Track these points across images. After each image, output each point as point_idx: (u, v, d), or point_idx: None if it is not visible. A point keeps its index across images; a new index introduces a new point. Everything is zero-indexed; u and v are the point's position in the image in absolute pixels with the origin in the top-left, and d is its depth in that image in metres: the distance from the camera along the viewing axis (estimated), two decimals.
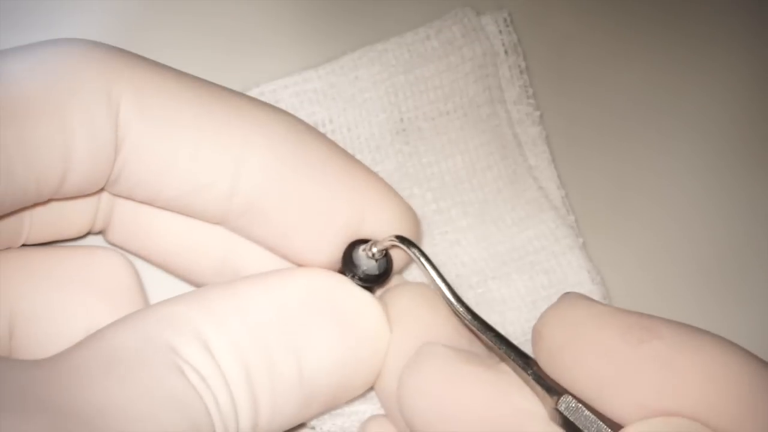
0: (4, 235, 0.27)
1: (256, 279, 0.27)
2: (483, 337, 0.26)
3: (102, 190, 0.27)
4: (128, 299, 0.28)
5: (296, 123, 0.28)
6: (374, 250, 0.28)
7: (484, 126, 0.35)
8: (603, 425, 0.23)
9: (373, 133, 0.34)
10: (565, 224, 0.34)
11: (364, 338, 0.27)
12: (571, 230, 0.34)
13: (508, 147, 0.35)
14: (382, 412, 0.29)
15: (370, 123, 0.34)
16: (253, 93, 0.34)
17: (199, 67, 0.34)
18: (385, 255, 0.28)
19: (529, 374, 0.24)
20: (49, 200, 0.26)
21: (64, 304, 0.27)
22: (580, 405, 0.23)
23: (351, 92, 0.34)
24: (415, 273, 0.32)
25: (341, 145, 0.33)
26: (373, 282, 0.28)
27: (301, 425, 0.28)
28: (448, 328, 0.27)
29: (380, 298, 0.29)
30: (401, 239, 0.27)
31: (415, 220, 0.30)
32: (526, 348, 0.25)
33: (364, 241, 0.28)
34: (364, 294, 0.28)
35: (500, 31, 0.35)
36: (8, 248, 0.28)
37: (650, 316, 0.23)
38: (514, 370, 0.25)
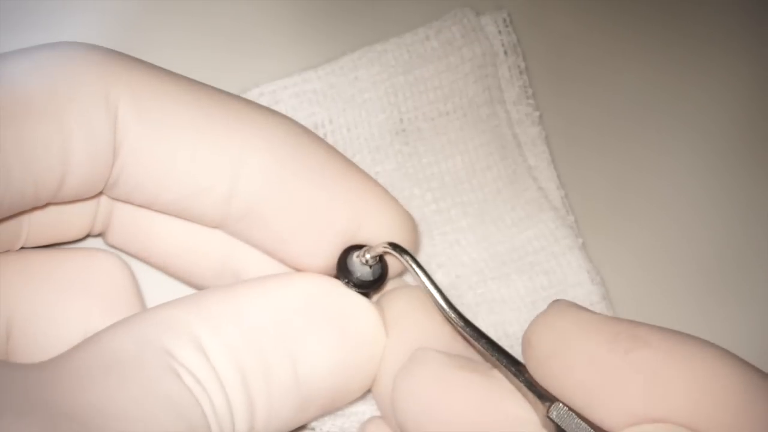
0: (2, 238, 0.27)
1: (253, 283, 0.27)
2: (476, 344, 0.26)
3: (101, 193, 0.27)
4: (125, 303, 0.28)
5: (295, 127, 0.28)
6: (367, 256, 0.28)
7: (484, 126, 0.35)
8: None
9: (373, 134, 0.34)
10: (564, 224, 0.34)
11: (359, 342, 0.27)
12: (571, 230, 0.34)
13: (508, 147, 0.35)
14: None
15: (369, 123, 0.34)
16: (253, 93, 0.34)
17: (199, 67, 0.34)
18: (381, 261, 0.28)
19: (521, 381, 0.24)
20: (48, 204, 0.26)
21: (62, 307, 0.27)
22: (572, 412, 0.23)
23: (351, 93, 0.34)
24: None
25: (341, 145, 0.34)
26: (367, 287, 0.28)
27: (301, 427, 0.28)
28: (444, 332, 0.27)
29: (377, 302, 0.29)
30: (393, 246, 0.27)
31: (413, 226, 0.30)
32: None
33: (360, 247, 0.28)
34: (360, 298, 0.28)
35: (500, 32, 0.35)
36: (7, 251, 0.28)
37: (639, 324, 0.23)
38: (507, 377, 0.25)
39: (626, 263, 0.35)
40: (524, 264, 0.33)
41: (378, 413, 0.30)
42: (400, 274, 0.31)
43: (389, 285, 0.29)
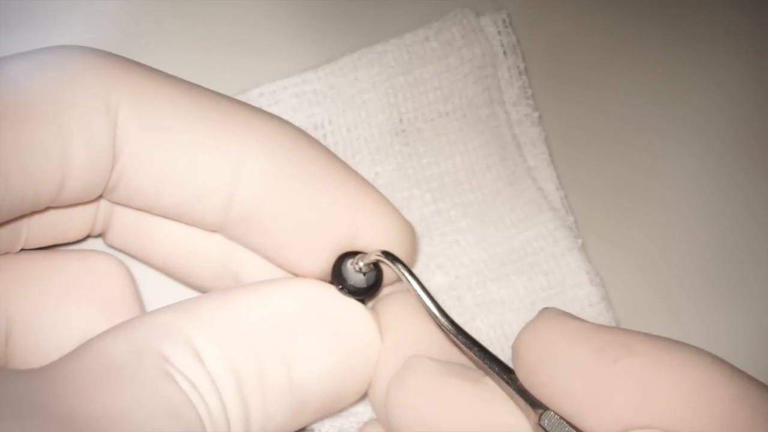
0: (2, 240, 0.27)
1: (248, 289, 0.27)
2: (468, 351, 0.26)
3: (101, 196, 0.27)
4: (124, 306, 0.28)
5: (294, 131, 0.28)
6: (361, 264, 0.28)
7: (484, 127, 0.35)
8: None
9: (373, 134, 0.34)
10: (564, 225, 0.34)
11: (354, 347, 0.27)
12: (570, 231, 0.34)
13: (508, 148, 0.35)
14: None
15: (369, 124, 0.34)
16: (253, 94, 0.34)
17: (199, 68, 0.34)
18: (376, 268, 0.28)
19: (513, 389, 0.24)
20: (48, 208, 0.26)
21: (61, 310, 0.27)
22: (563, 421, 0.23)
23: (350, 93, 0.34)
24: None
25: (341, 145, 0.34)
26: (361, 294, 0.28)
27: (299, 430, 0.28)
28: (439, 338, 0.28)
29: (372, 307, 0.29)
30: (387, 254, 0.28)
31: (411, 234, 0.30)
32: None
33: (355, 254, 0.28)
34: (354, 304, 0.28)
35: (499, 33, 0.35)
36: (6, 253, 0.28)
37: (626, 332, 0.23)
38: (499, 384, 0.25)
39: (625, 264, 0.35)
40: (523, 265, 0.33)
41: None
42: (397, 280, 0.31)
43: (386, 290, 0.29)
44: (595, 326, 0.23)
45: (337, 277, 0.28)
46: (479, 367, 0.26)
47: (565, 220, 0.34)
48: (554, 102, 0.36)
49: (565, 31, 0.37)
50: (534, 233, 0.33)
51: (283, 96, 0.34)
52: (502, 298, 0.33)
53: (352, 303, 0.28)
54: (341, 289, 0.28)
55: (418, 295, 0.27)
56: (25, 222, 0.28)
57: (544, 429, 0.23)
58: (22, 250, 0.29)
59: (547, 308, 0.25)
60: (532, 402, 0.24)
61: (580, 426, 0.23)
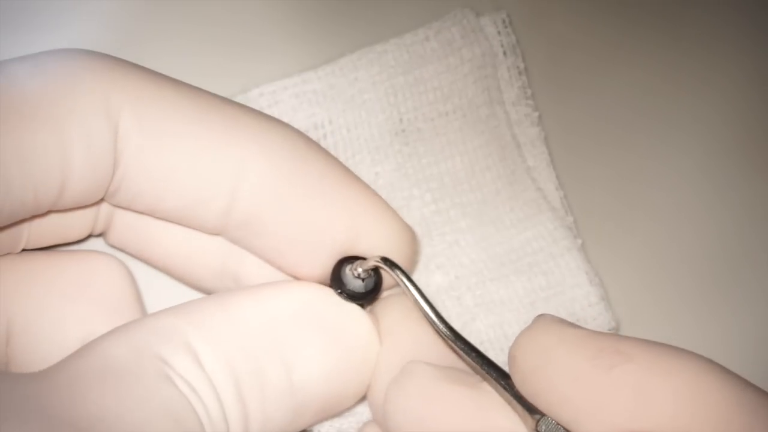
0: (3, 241, 0.27)
1: (248, 292, 0.27)
2: (466, 357, 0.26)
3: (102, 199, 0.27)
4: (124, 307, 0.28)
5: (295, 136, 0.28)
6: (359, 270, 0.28)
7: (483, 127, 0.35)
8: None
9: (373, 134, 0.34)
10: (563, 225, 0.34)
11: (353, 349, 0.28)
12: (570, 231, 0.34)
13: (507, 148, 0.35)
14: None
15: (369, 124, 0.34)
16: (253, 94, 0.34)
17: (199, 68, 0.34)
18: (376, 272, 0.29)
19: (510, 394, 0.24)
20: (49, 212, 0.27)
21: (62, 311, 0.27)
22: (560, 427, 0.23)
23: (350, 93, 0.34)
24: (419, 284, 0.32)
25: (341, 145, 0.34)
26: (360, 299, 0.28)
27: None
28: (438, 341, 0.28)
29: (371, 310, 0.29)
30: (385, 260, 0.28)
31: (411, 238, 0.30)
32: None
33: (354, 259, 0.28)
34: (353, 307, 0.28)
35: (499, 33, 0.35)
36: (8, 254, 0.28)
37: (622, 338, 0.23)
38: (497, 390, 0.25)
39: (625, 264, 0.35)
40: (523, 265, 0.33)
41: None
42: (397, 284, 0.31)
43: (386, 293, 0.29)
44: (591, 333, 0.23)
45: (336, 281, 0.28)
46: (477, 373, 0.26)
47: (564, 221, 0.34)
48: (554, 102, 0.36)
49: (565, 32, 0.37)
50: (533, 233, 0.34)
51: (283, 96, 0.34)
52: (501, 299, 0.33)
53: (350, 306, 0.28)
54: (340, 293, 0.28)
55: (416, 301, 0.27)
56: (26, 223, 0.28)
57: None
58: (24, 250, 0.29)
59: (542, 315, 0.25)
60: (530, 408, 0.24)
61: None
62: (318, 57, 0.34)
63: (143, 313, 0.29)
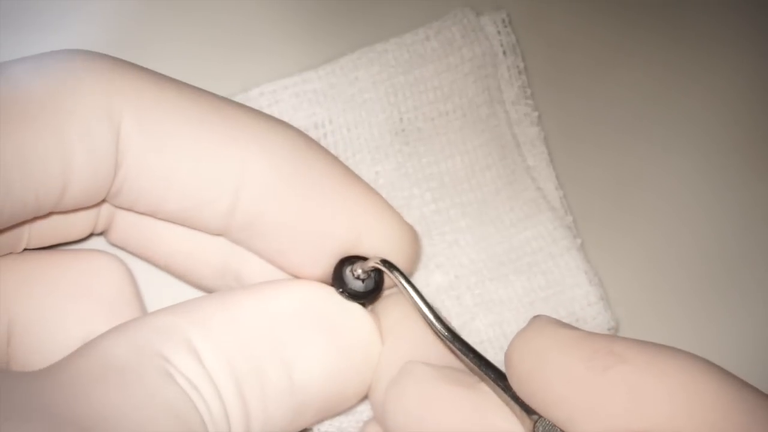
0: (4, 240, 0.27)
1: (249, 290, 0.28)
2: (464, 358, 0.26)
3: (104, 200, 0.27)
4: (125, 306, 0.28)
5: (296, 136, 0.28)
6: (359, 271, 0.28)
7: (483, 126, 0.35)
8: None
9: (373, 134, 0.34)
10: (563, 225, 0.34)
11: (354, 348, 0.28)
12: (569, 231, 0.34)
13: (507, 147, 0.35)
14: None
15: (369, 123, 0.34)
16: (253, 93, 0.34)
17: (199, 67, 0.34)
18: (377, 273, 0.29)
19: (508, 395, 0.25)
20: (50, 213, 0.27)
21: (63, 311, 0.27)
22: (557, 428, 0.23)
23: (351, 93, 0.34)
24: (418, 285, 0.32)
25: (341, 145, 0.34)
26: (361, 298, 0.28)
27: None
28: (439, 341, 0.28)
29: (372, 309, 0.29)
30: (384, 262, 0.28)
31: (413, 239, 0.30)
32: None
33: (356, 258, 0.28)
34: (354, 306, 0.28)
35: (498, 32, 0.35)
36: (9, 253, 0.28)
37: (616, 339, 0.23)
38: (495, 391, 0.25)
39: (624, 264, 0.35)
40: (522, 264, 0.33)
41: None
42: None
43: (387, 292, 0.30)
44: (586, 334, 0.23)
45: (337, 280, 0.28)
46: (475, 373, 0.26)
47: (564, 220, 0.34)
48: (553, 101, 0.36)
49: (565, 32, 0.37)
50: (533, 233, 0.34)
51: (283, 95, 0.34)
52: (500, 298, 0.33)
53: (352, 305, 0.28)
54: (342, 293, 0.28)
55: (415, 303, 0.27)
56: (27, 223, 0.28)
57: None
58: (25, 249, 0.29)
59: (538, 316, 0.25)
60: (527, 408, 0.24)
61: None
62: (318, 56, 0.34)
63: (143, 312, 0.29)
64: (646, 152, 0.37)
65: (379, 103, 0.34)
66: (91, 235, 0.30)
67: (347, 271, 0.28)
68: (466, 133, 0.34)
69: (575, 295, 0.33)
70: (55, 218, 0.28)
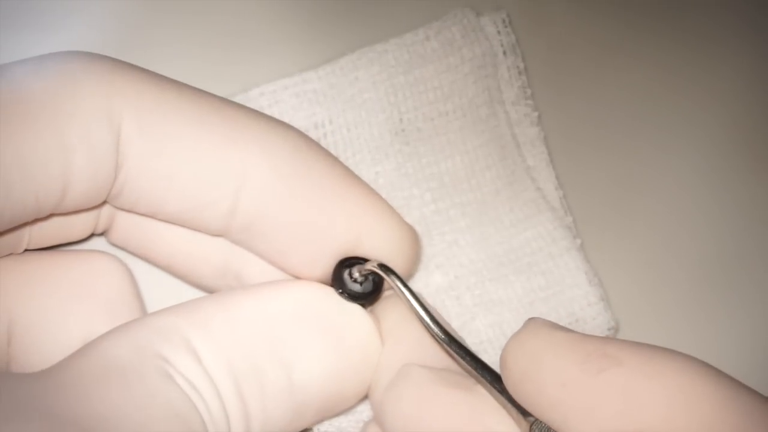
0: (5, 241, 0.27)
1: (248, 291, 0.28)
2: (461, 361, 0.26)
3: (104, 201, 0.27)
4: (125, 307, 0.28)
5: (296, 137, 0.28)
6: (356, 274, 0.28)
7: (483, 126, 0.35)
8: None
9: (373, 134, 0.34)
10: (562, 225, 0.34)
11: (353, 349, 0.28)
12: (569, 231, 0.34)
13: (507, 147, 0.35)
14: None
15: (369, 123, 0.34)
16: (253, 93, 0.34)
17: (200, 67, 0.34)
18: (375, 274, 0.29)
19: (505, 397, 0.25)
20: (51, 215, 0.27)
21: (63, 311, 0.27)
22: (553, 430, 0.23)
23: (351, 93, 0.34)
24: (418, 285, 0.33)
25: (341, 145, 0.34)
26: (361, 299, 0.29)
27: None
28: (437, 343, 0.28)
29: (372, 310, 0.29)
30: (382, 266, 0.28)
31: (413, 240, 0.30)
32: None
33: (355, 259, 0.28)
34: (354, 307, 0.28)
35: (498, 32, 0.35)
36: (10, 254, 0.28)
37: (610, 341, 0.23)
38: (491, 393, 0.25)
39: (624, 264, 0.35)
40: (522, 265, 0.33)
41: None
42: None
43: (387, 292, 0.30)
44: (581, 336, 0.23)
45: (337, 281, 0.28)
46: (472, 376, 0.26)
47: (563, 220, 0.34)
48: (553, 102, 0.36)
49: (565, 32, 0.37)
50: (533, 233, 0.34)
51: (283, 95, 0.34)
52: (500, 298, 0.33)
53: (351, 306, 0.28)
54: (341, 293, 0.28)
55: (412, 306, 0.27)
56: (28, 225, 0.28)
57: None
58: (26, 250, 0.29)
59: (532, 318, 0.25)
60: (524, 411, 0.24)
61: None
62: (318, 56, 0.34)
63: (144, 312, 0.29)
64: (646, 153, 0.37)
65: (379, 103, 0.34)
66: (91, 235, 0.30)
67: (346, 273, 0.28)
68: (466, 133, 0.34)
69: (575, 296, 0.33)
70: (55, 219, 0.28)
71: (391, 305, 0.29)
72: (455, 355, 0.27)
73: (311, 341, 0.27)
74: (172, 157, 0.26)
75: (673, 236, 0.36)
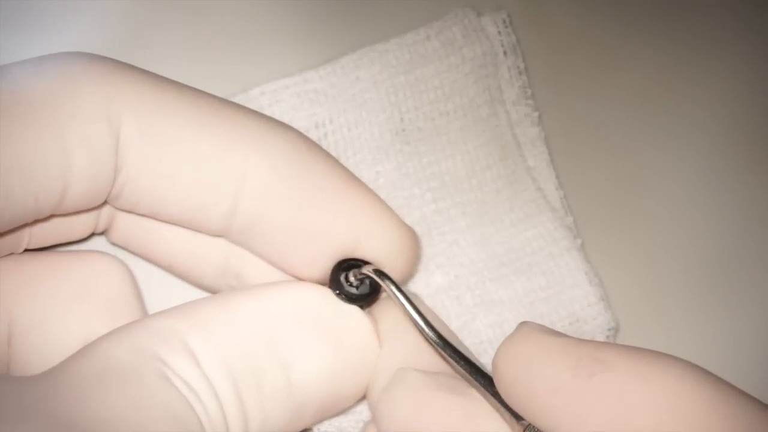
0: (5, 241, 0.27)
1: (246, 292, 0.28)
2: (455, 365, 0.26)
3: (105, 202, 0.27)
4: (125, 307, 0.28)
5: (296, 138, 0.28)
6: (352, 279, 0.28)
7: (484, 126, 0.35)
8: None
9: (374, 134, 0.34)
10: (563, 225, 0.34)
11: (351, 350, 0.28)
12: (569, 231, 0.34)
13: (508, 147, 0.35)
14: None
15: (370, 123, 0.34)
16: (254, 93, 0.34)
17: (200, 67, 0.34)
18: (370, 279, 0.29)
19: (499, 401, 0.25)
20: (51, 216, 0.27)
21: (64, 312, 0.28)
22: None
23: (351, 92, 0.34)
24: (418, 285, 0.33)
25: (341, 144, 0.34)
26: (358, 301, 0.29)
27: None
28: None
29: (370, 312, 0.29)
30: (377, 271, 0.28)
31: (412, 241, 0.30)
32: None
33: (353, 261, 0.29)
34: (352, 308, 0.29)
35: (499, 32, 0.35)
36: (10, 254, 0.28)
37: (602, 346, 0.23)
38: (485, 397, 0.25)
39: (624, 264, 0.35)
40: (522, 265, 0.33)
41: None
42: (405, 283, 0.31)
43: (385, 294, 0.30)
44: (573, 341, 0.23)
45: (335, 282, 0.28)
46: (466, 379, 0.26)
47: (564, 221, 0.34)
48: (554, 102, 0.36)
49: (565, 32, 0.37)
50: (533, 233, 0.34)
51: (284, 95, 0.34)
52: (501, 298, 0.33)
53: (349, 308, 0.28)
54: (339, 295, 0.28)
55: (407, 312, 0.27)
56: (28, 225, 0.28)
57: None
58: (26, 250, 0.29)
59: (524, 322, 0.25)
60: (517, 415, 0.24)
61: None
62: (319, 56, 0.34)
63: (144, 313, 0.29)
64: (646, 153, 0.37)
65: (380, 102, 0.34)
66: (92, 234, 0.30)
67: (341, 279, 0.28)
68: (466, 133, 0.34)
69: (575, 296, 0.33)
70: (55, 219, 0.28)
71: (389, 307, 0.29)
72: (450, 359, 0.27)
73: (310, 342, 0.27)
74: (172, 158, 0.26)
75: (673, 236, 0.36)
